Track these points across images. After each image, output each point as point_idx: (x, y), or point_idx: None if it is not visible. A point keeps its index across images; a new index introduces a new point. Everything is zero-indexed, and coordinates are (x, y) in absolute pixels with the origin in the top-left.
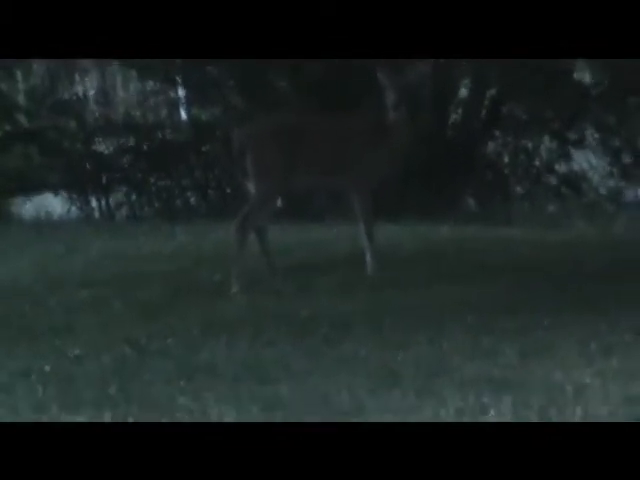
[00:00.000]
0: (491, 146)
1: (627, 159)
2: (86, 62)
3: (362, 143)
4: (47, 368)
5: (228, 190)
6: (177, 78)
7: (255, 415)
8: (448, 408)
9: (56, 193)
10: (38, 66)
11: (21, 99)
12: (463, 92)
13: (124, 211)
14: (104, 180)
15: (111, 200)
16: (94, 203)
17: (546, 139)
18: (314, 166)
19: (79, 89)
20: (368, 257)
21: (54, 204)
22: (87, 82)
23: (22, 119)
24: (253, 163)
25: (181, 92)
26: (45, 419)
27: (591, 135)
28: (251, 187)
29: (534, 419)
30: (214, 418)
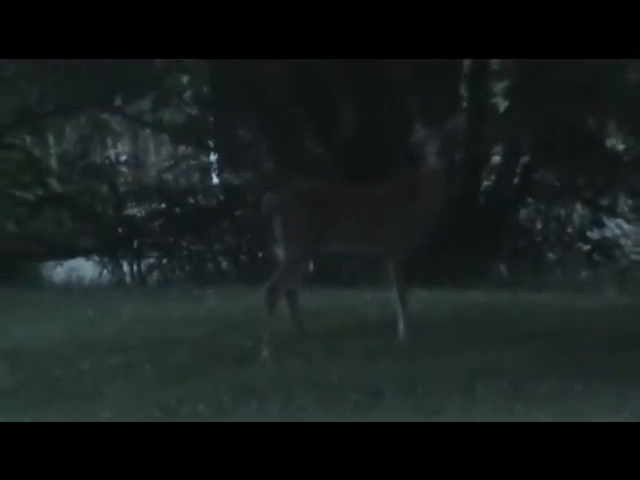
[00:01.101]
0: (523, 212)
1: None
2: (119, 126)
3: (394, 209)
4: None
5: (259, 254)
6: (209, 142)
7: None
8: None
9: (88, 257)
10: (70, 130)
11: (53, 163)
12: (496, 158)
13: (155, 275)
14: (136, 244)
15: (142, 264)
16: (126, 267)
17: (578, 206)
18: (344, 233)
19: (111, 153)
20: (400, 323)
21: (85, 268)
22: (119, 146)
23: (54, 183)
24: (282, 228)
25: (213, 156)
26: None
27: (623, 202)
28: (280, 252)
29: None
30: None
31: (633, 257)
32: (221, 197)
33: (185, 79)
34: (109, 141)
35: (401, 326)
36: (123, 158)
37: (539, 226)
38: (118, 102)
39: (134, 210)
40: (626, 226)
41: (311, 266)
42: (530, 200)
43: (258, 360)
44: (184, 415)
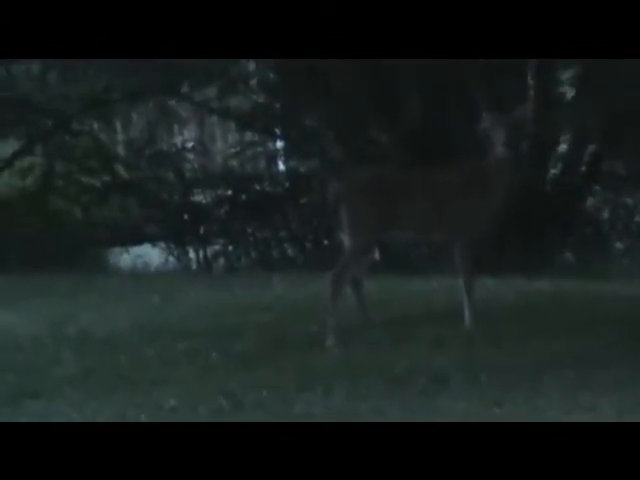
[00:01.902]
0: (590, 201)
1: None
2: (185, 113)
3: (460, 197)
4: (142, 418)
5: (325, 242)
6: (275, 130)
7: None
8: None
9: (154, 244)
10: (137, 117)
11: (120, 150)
12: (562, 147)
13: (221, 262)
14: (202, 231)
15: (208, 251)
16: (192, 254)
17: None
18: (410, 220)
19: (178, 140)
20: (467, 311)
21: (152, 255)
22: (186, 133)
23: (121, 170)
24: (348, 216)
25: (279, 144)
26: None
27: None
28: (346, 239)
29: None
30: None
31: None
32: (287, 184)
33: (251, 66)
34: (176, 128)
35: (467, 314)
36: (190, 145)
37: (606, 215)
38: (185, 89)
39: (200, 197)
40: None
41: (377, 254)
42: (597, 189)
43: (323, 347)
44: (249, 402)
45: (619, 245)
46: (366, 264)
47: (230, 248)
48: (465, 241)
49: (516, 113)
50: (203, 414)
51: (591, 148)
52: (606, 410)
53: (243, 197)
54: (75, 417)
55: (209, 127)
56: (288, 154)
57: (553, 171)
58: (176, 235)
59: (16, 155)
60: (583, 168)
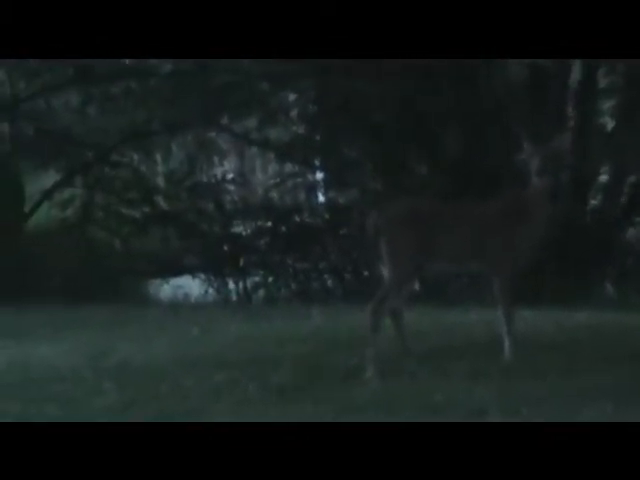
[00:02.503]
0: (631, 232)
1: None
2: (225, 144)
3: (499, 228)
4: None
5: (365, 273)
6: (315, 161)
7: None
8: None
9: (194, 275)
10: (177, 149)
11: (160, 181)
12: (603, 178)
13: (261, 293)
14: (241, 262)
15: (248, 282)
16: (231, 285)
17: None
18: (450, 252)
19: (217, 171)
20: (506, 342)
21: (192, 286)
22: (225, 164)
23: (161, 202)
24: (387, 246)
25: (319, 175)
26: None
27: None
28: (385, 271)
29: None
30: None
31: None
32: (327, 215)
33: (291, 97)
34: (215, 159)
35: (507, 346)
36: (229, 176)
37: None
38: (225, 120)
39: (240, 228)
40: None
41: (417, 285)
42: (638, 220)
43: (362, 379)
44: None
45: None
46: (406, 295)
47: (270, 279)
48: (504, 272)
49: (555, 143)
50: None
51: (631, 179)
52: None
53: (283, 228)
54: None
55: (249, 158)
56: (327, 185)
57: (593, 202)
58: (216, 266)
59: (56, 186)
60: (623, 199)
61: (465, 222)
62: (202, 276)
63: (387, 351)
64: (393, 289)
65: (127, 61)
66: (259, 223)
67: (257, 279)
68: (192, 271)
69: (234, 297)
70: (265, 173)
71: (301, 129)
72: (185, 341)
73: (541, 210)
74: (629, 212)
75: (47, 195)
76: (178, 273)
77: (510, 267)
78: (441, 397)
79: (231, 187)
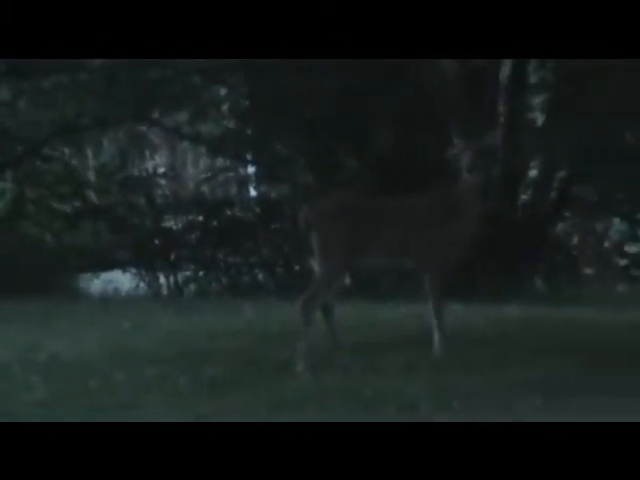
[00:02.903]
0: (560, 227)
1: None
2: (158, 139)
3: (431, 223)
4: None
5: (296, 267)
6: (246, 156)
7: None
8: None
9: (124, 269)
10: (108, 143)
11: (91, 175)
12: (532, 173)
13: (192, 287)
14: (172, 256)
15: (179, 276)
16: (162, 279)
17: (616, 221)
18: (380, 246)
19: (149, 166)
20: (436, 337)
21: (122, 280)
22: (157, 159)
23: (92, 196)
24: (318, 241)
25: (250, 169)
26: None
27: None
28: (316, 265)
29: None
30: None
31: None
32: (258, 210)
33: (222, 92)
34: (147, 153)
35: (437, 340)
36: (161, 170)
37: (576, 240)
38: (156, 115)
39: (171, 222)
40: None
41: (347, 279)
42: (567, 214)
43: (294, 373)
44: None
45: (588, 271)
46: (336, 289)
47: (201, 274)
48: (433, 268)
49: (486, 139)
50: None
51: (561, 174)
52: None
53: (214, 223)
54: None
55: (180, 153)
56: (259, 179)
57: (523, 197)
58: (147, 260)
59: None
60: (553, 194)
61: (395, 217)
62: (133, 270)
63: (318, 345)
64: (324, 284)
65: None
66: (190, 217)
67: (188, 273)
68: (123, 265)
69: (165, 291)
70: (196, 167)
71: (232, 123)
72: (116, 335)
73: (471, 206)
74: (558, 207)
75: None
76: (109, 267)
77: (440, 262)
78: (372, 391)
79: (162, 181)
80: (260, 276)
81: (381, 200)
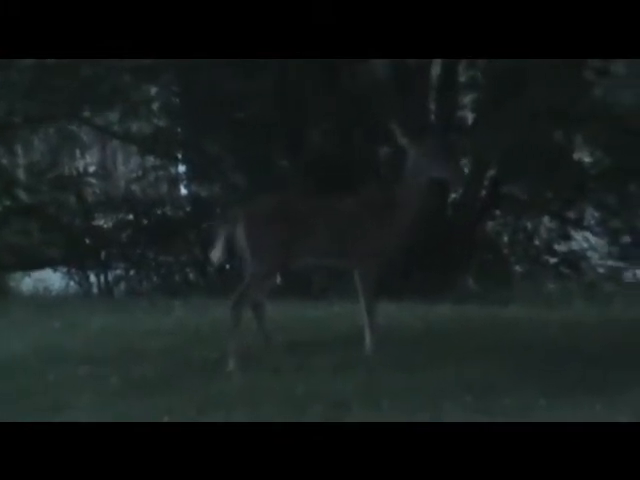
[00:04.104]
0: (491, 225)
1: (626, 239)
2: (88, 137)
3: (362, 223)
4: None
5: (227, 266)
6: (177, 154)
7: None
8: None
9: (55, 268)
10: (38, 141)
11: (21, 174)
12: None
13: (122, 286)
14: (103, 255)
15: (110, 275)
16: (93, 278)
17: (546, 219)
18: (312, 246)
19: (79, 164)
20: (367, 336)
21: (53, 279)
22: (87, 157)
23: (22, 194)
24: (248, 242)
25: (181, 168)
26: None
27: (591, 215)
28: (247, 265)
29: None
30: None
31: (600, 270)
32: (188, 209)
33: (153, 90)
34: (77, 152)
35: (368, 340)
36: (91, 169)
37: (506, 239)
38: (86, 113)
39: (102, 221)
40: (593, 239)
41: (278, 279)
42: (497, 213)
43: (224, 372)
44: None
45: (519, 269)
46: (267, 288)
47: (131, 272)
48: (366, 267)
49: (429, 141)
50: None
51: (491, 172)
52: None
53: (145, 221)
54: None
55: (111, 151)
56: (190, 178)
57: (453, 195)
58: (77, 259)
59: None
60: (483, 192)
61: (327, 218)
62: (64, 269)
63: (250, 345)
64: (254, 283)
65: None
66: (121, 216)
67: (119, 272)
68: (53, 264)
69: (96, 290)
70: (127, 166)
71: (163, 122)
72: (46, 335)
73: (410, 207)
74: (488, 205)
75: None
76: (39, 266)
77: (371, 262)
78: (303, 390)
79: (93, 180)
80: (191, 275)
81: (312, 200)
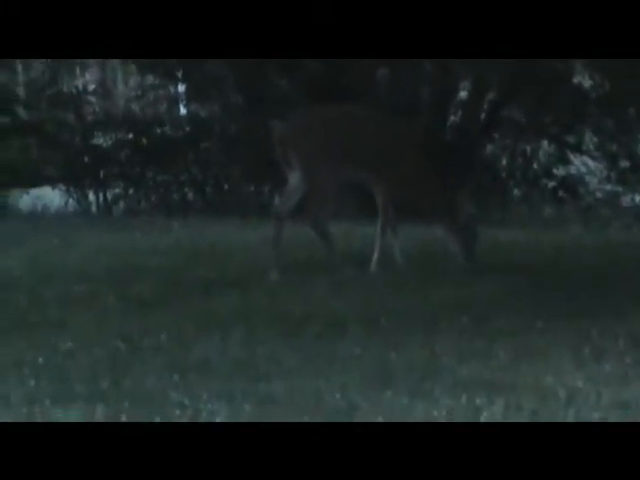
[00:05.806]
0: (489, 149)
1: (624, 164)
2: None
3: (399, 145)
4: (40, 360)
5: (225, 186)
6: (177, 74)
7: (247, 412)
8: (440, 409)
9: (54, 186)
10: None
11: (20, 91)
12: (462, 94)
13: (121, 205)
14: (102, 174)
15: (108, 194)
16: (91, 197)
17: (544, 143)
18: (356, 159)
19: (79, 82)
20: (375, 255)
21: (51, 197)
22: (87, 75)
23: (21, 112)
24: (301, 155)
25: (181, 88)
26: (37, 411)
27: (589, 139)
28: (298, 180)
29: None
30: (206, 414)
31: (597, 194)
32: (188, 128)
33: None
34: (77, 70)
35: (375, 259)
36: (91, 87)
37: (505, 162)
38: None
39: (101, 140)
40: (591, 163)
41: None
42: (496, 136)
43: (222, 291)
44: (146, 346)
45: (517, 192)
46: (332, 204)
47: (130, 192)
48: (391, 186)
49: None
50: (99, 357)
51: (490, 96)
52: (501, 357)
53: (144, 141)
54: None
55: (110, 70)
56: (189, 98)
57: (453, 118)
58: (76, 178)
59: None
60: (482, 116)
61: (371, 133)
62: (62, 187)
63: (249, 264)
64: (320, 196)
65: None
66: (120, 135)
67: (117, 191)
68: (52, 182)
69: (94, 209)
70: (126, 85)
71: None
72: (44, 252)
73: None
74: (488, 129)
75: None
76: (38, 184)
77: (395, 183)
78: (300, 310)
79: (92, 98)
80: (189, 195)
81: (355, 114)
